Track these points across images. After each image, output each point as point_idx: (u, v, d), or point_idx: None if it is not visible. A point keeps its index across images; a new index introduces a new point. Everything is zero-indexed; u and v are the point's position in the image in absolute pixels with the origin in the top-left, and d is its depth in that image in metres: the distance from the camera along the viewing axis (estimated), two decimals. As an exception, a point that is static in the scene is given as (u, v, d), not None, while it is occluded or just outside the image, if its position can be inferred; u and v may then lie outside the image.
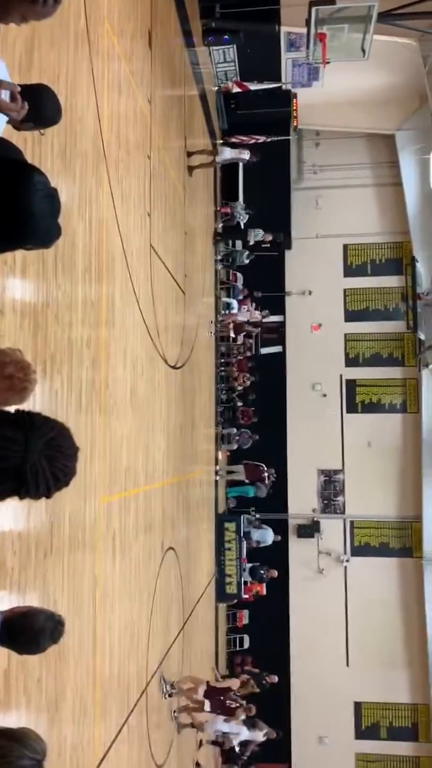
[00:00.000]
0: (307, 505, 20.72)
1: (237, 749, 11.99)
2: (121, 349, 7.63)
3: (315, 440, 20.51)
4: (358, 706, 19.71)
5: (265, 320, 19.62)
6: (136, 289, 8.33)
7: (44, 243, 2.79)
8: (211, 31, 15.82)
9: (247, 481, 18.77)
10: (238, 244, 19.26)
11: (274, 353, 20.81)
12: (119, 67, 7.82)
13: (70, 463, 2.16)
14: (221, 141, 17.50)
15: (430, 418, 20.11)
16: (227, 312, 18.50)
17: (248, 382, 19.40)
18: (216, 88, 17.96)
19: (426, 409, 20.19)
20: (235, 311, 18.65)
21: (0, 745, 2.32)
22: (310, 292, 21.47)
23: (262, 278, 19.88)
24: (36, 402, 5.00)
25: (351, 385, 21.09)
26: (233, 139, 17.10)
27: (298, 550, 20.34)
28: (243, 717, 11.37)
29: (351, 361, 21.21)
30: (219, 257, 18.33)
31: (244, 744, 11.93)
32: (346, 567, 20.30)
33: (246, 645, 18.94)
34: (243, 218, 18.72)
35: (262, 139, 17.06)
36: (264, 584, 17.99)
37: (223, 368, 18.57)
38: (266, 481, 18.67)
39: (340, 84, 18.40)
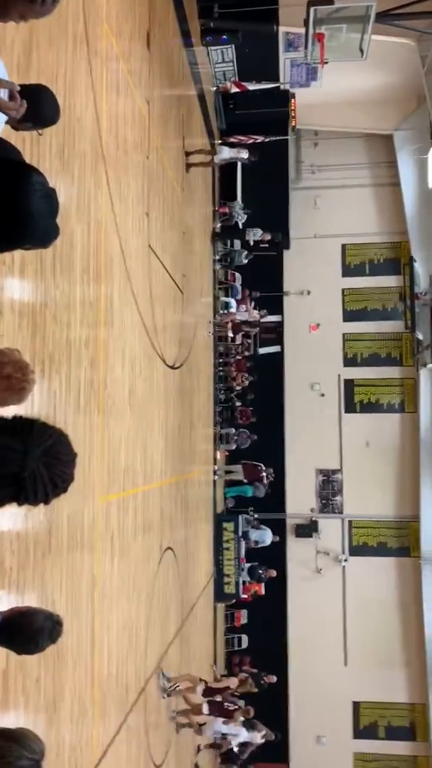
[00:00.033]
0: (305, 504, 20.73)
1: (236, 750, 12.00)
2: (119, 349, 7.63)
3: (313, 440, 20.52)
4: (356, 705, 19.73)
5: (263, 320, 19.62)
6: (135, 289, 8.33)
7: (42, 243, 2.79)
8: (209, 31, 15.82)
9: (245, 480, 18.78)
10: (237, 243, 19.27)
11: (273, 353, 20.81)
12: (117, 67, 7.82)
13: (68, 469, 2.16)
14: (220, 141, 17.51)
15: (428, 417, 20.12)
16: (225, 311, 18.50)
17: (247, 382, 19.41)
18: (214, 88, 17.96)
19: (424, 408, 20.21)
20: (233, 310, 18.65)
21: (-1, 745, 2.32)
22: (308, 292, 21.48)
23: (261, 278, 19.89)
24: (34, 402, 5.00)
25: (349, 385, 21.10)
26: (232, 139, 17.12)
27: (297, 549, 20.35)
28: (242, 719, 11.38)
29: (349, 361, 21.22)
30: (217, 257, 18.34)
31: (242, 745, 11.94)
32: (344, 567, 20.31)
33: (244, 645, 18.96)
34: (241, 218, 18.73)
35: (260, 139, 17.08)
36: (262, 584, 18.00)
37: (221, 368, 18.58)
38: (264, 481, 18.67)
39: (338, 84, 18.40)
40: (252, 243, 19.10)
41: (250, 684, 14.08)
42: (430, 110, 16.86)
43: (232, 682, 12.54)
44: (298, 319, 21.22)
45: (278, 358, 20.97)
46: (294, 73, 18.89)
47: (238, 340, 19.12)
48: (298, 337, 21.14)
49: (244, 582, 17.50)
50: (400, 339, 20.96)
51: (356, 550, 20.42)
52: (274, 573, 18.11)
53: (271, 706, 16.52)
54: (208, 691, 11.46)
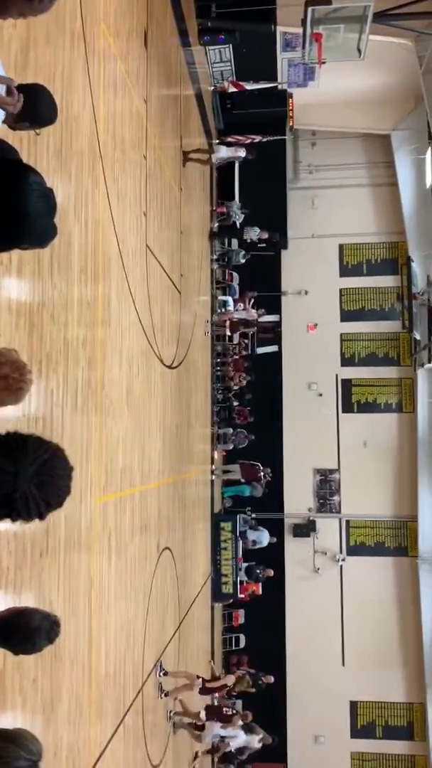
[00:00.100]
0: (303, 504, 20.74)
1: (233, 751, 12.00)
2: (117, 349, 7.63)
3: (311, 440, 20.53)
4: (353, 705, 19.74)
5: (261, 319, 19.62)
6: (132, 288, 8.33)
7: (40, 243, 2.79)
8: (207, 30, 15.82)
9: (243, 480, 18.78)
10: (234, 243, 19.27)
11: (270, 353, 20.82)
12: (115, 66, 7.82)
13: (61, 488, 2.15)
14: (217, 141, 17.51)
15: (426, 417, 20.14)
16: (223, 310, 18.50)
17: (244, 382, 19.42)
18: (212, 87, 17.96)
19: (421, 408, 20.23)
20: (231, 309, 18.65)
21: (-4, 746, 2.32)
22: (306, 292, 21.49)
23: (258, 278, 19.89)
24: (31, 402, 5.00)
25: (347, 385, 21.12)
26: (229, 139, 17.12)
27: (294, 549, 20.36)
28: (240, 723, 11.41)
29: (347, 361, 21.23)
30: (215, 257, 18.34)
31: (240, 749, 11.97)
32: (341, 566, 20.32)
33: (242, 644, 18.96)
34: (239, 218, 18.73)
35: (258, 138, 17.08)
36: (260, 584, 18.01)
37: (219, 368, 18.58)
38: (262, 481, 18.68)
39: (336, 84, 18.42)
40: (250, 241, 19.10)
41: (248, 681, 14.11)
42: (428, 110, 16.87)
43: (229, 680, 12.56)
44: (296, 318, 21.23)
45: (276, 357, 20.98)
46: (291, 73, 18.90)
47: (236, 339, 19.12)
48: (295, 336, 21.15)
49: (241, 582, 17.50)
50: (398, 339, 20.98)
51: (354, 550, 20.44)
52: (271, 573, 18.12)
53: (268, 706, 16.54)
54: (206, 689, 11.50)
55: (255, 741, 11.86)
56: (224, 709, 11.82)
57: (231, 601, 17.91)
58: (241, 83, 18.11)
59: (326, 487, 20.83)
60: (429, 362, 18.63)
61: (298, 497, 20.61)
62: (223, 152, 16.52)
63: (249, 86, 18.34)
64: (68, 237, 5.94)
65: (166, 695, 10.00)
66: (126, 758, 7.70)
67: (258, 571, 17.85)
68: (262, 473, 18.65)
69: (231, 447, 18.88)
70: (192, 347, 13.72)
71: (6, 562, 4.51)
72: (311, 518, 20.64)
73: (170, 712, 10.56)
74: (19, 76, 4.79)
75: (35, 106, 3.25)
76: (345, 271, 21.66)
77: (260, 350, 20.45)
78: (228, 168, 18.99)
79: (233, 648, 18.86)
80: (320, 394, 21.02)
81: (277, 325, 21.06)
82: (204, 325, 16.30)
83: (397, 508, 20.34)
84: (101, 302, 6.94)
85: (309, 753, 19.12)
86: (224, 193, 19.55)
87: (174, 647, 10.92)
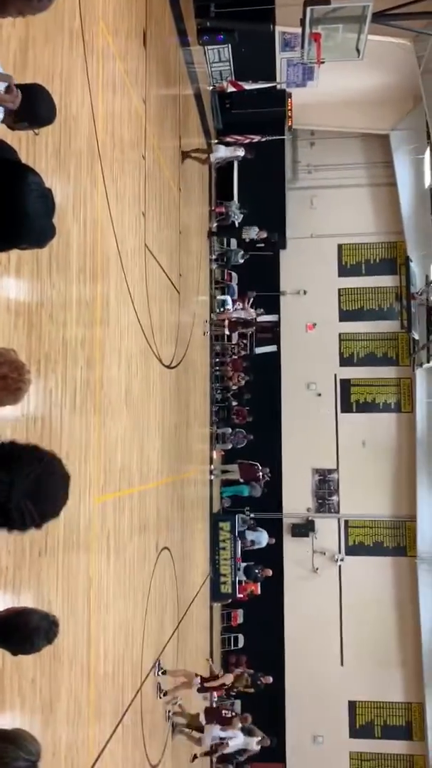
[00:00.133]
0: (301, 504, 20.74)
1: (232, 751, 12.01)
2: (115, 349, 7.62)
3: (309, 439, 20.54)
4: (352, 705, 19.75)
5: (259, 319, 19.63)
6: (131, 288, 8.33)
7: (39, 243, 2.79)
8: (206, 30, 15.81)
9: (241, 480, 18.78)
10: (233, 243, 19.27)
11: (269, 353, 20.82)
12: (114, 66, 7.81)
13: (57, 498, 2.14)
14: (216, 141, 17.51)
15: (424, 417, 20.16)
16: (222, 309, 18.51)
17: (243, 382, 19.42)
18: (211, 87, 17.96)
19: (420, 408, 20.24)
20: (229, 308, 18.65)
21: (-6, 746, 2.32)
22: (304, 292, 21.49)
23: (257, 278, 19.89)
24: (30, 402, 4.99)
25: (345, 385, 21.12)
26: (228, 139, 17.12)
27: (293, 549, 20.37)
28: (240, 725, 11.43)
29: (345, 361, 21.24)
30: (214, 257, 18.34)
31: (239, 751, 11.99)
32: (340, 566, 20.33)
33: (241, 644, 18.96)
34: (238, 218, 18.74)
35: (257, 138, 17.09)
36: (258, 583, 18.01)
37: (217, 368, 18.58)
38: (261, 481, 18.68)
39: (334, 84, 18.42)
40: (248, 241, 19.09)
41: (246, 679, 14.11)
42: (427, 110, 16.87)
43: (228, 679, 12.58)
44: (295, 318, 21.23)
45: (275, 357, 20.99)
46: (290, 72, 18.90)
47: (235, 339, 19.13)
48: (294, 336, 21.16)
49: (240, 581, 17.51)
50: (397, 339, 20.99)
51: (352, 550, 20.45)
52: (270, 572, 18.13)
53: (267, 706, 16.56)
54: (204, 688, 11.52)
55: (254, 743, 11.88)
56: (224, 711, 11.84)
57: (230, 600, 17.92)
58: (239, 83, 18.11)
59: (325, 487, 20.84)
60: (428, 362, 18.64)
61: (296, 497, 20.61)
62: (222, 152, 16.53)
63: (248, 86, 18.35)
64: (67, 237, 5.94)
65: (164, 694, 10.00)
66: (125, 758, 7.70)
67: (257, 571, 17.85)
68: (260, 473, 18.65)
69: (230, 447, 18.89)
70: (191, 347, 13.72)
71: (5, 562, 4.51)
72: (310, 518, 20.65)
73: (169, 712, 10.56)
74: (17, 75, 4.78)
75: (34, 106, 3.25)
76: (344, 270, 21.67)
77: (259, 350, 20.45)
78: (227, 168, 19.00)
79: (232, 648, 18.87)
80: (319, 394, 21.03)
81: (276, 324, 21.06)
82: (203, 325, 16.31)
83: (395, 507, 20.35)
84: (100, 302, 6.94)
85: (308, 753, 19.14)
86: (223, 193, 19.55)
87: (173, 647, 10.92)
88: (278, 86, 19.13)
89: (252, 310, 19.18)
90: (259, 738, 11.96)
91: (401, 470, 20.38)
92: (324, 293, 21.40)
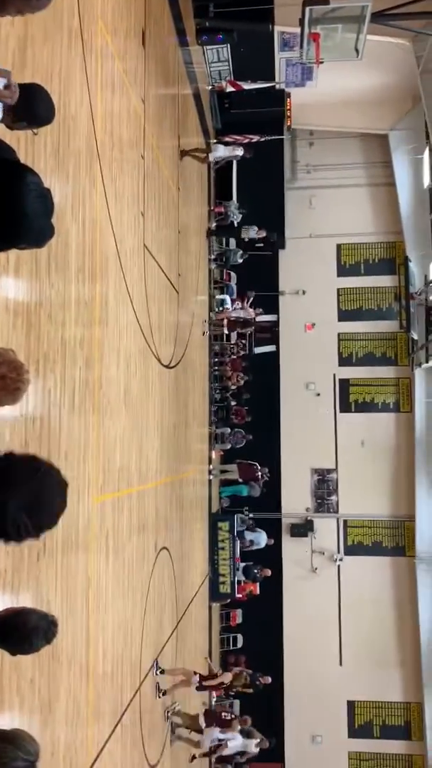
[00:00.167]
0: (300, 504, 20.75)
1: (231, 753, 12.02)
2: (114, 349, 7.62)
3: (308, 439, 20.54)
4: (351, 704, 19.76)
5: (258, 319, 19.63)
6: (130, 288, 8.32)
7: (37, 243, 2.79)
8: (204, 30, 15.81)
9: (240, 480, 18.78)
10: (232, 243, 19.27)
11: (268, 353, 20.82)
12: (113, 65, 7.81)
13: (54, 510, 2.13)
14: (215, 140, 17.51)
15: (423, 417, 20.17)
16: (221, 309, 18.51)
17: (242, 382, 19.41)
18: (210, 87, 17.96)
19: (419, 408, 20.25)
20: (228, 307, 18.66)
21: (-7, 746, 2.32)
22: (303, 292, 21.50)
23: (256, 278, 19.89)
24: (29, 402, 4.99)
25: (344, 385, 21.13)
26: (227, 138, 17.12)
27: (292, 549, 20.37)
28: (239, 728, 11.44)
29: (344, 361, 21.25)
30: (213, 256, 18.33)
31: (238, 753, 12.01)
32: (339, 566, 20.34)
33: (239, 644, 18.96)
34: (236, 218, 18.74)
35: (255, 138, 17.09)
36: (257, 583, 18.01)
37: (216, 367, 18.58)
38: (260, 481, 18.67)
39: (333, 84, 18.42)
40: (247, 240, 19.09)
41: (245, 677, 14.11)
42: (426, 110, 16.88)
43: (226, 677, 12.59)
44: (294, 318, 21.24)
45: (273, 357, 20.99)
46: (289, 72, 18.91)
47: (234, 339, 19.12)
48: (293, 336, 21.16)
49: (239, 581, 17.50)
50: (395, 339, 21.00)
51: (351, 550, 20.45)
52: (269, 572, 18.12)
53: (266, 706, 16.56)
54: (203, 686, 11.54)
55: (252, 745, 11.88)
56: (223, 714, 11.86)
57: (228, 600, 17.92)
58: (238, 83, 18.12)
59: (324, 487, 20.84)
60: (426, 362, 18.65)
61: (295, 497, 20.61)
62: (220, 151, 16.53)
63: (247, 86, 18.35)
64: (66, 237, 5.93)
65: (164, 694, 10.00)
66: (123, 758, 7.69)
67: (255, 570, 17.85)
68: (259, 473, 18.64)
69: (228, 447, 18.88)
70: (190, 347, 13.72)
71: (4, 563, 4.51)
72: (309, 518, 20.65)
73: (167, 712, 10.56)
74: (16, 74, 4.77)
75: (32, 106, 3.25)
76: (343, 270, 21.67)
77: (258, 350, 20.45)
78: (226, 168, 19.00)
79: (231, 648, 18.86)
80: (318, 394, 21.03)
81: (275, 324, 21.06)
82: (202, 325, 16.31)
83: (394, 507, 20.36)
84: (99, 302, 6.94)
85: (306, 753, 19.14)
86: (222, 193, 19.56)
87: (171, 647, 10.92)
88: (277, 86, 19.14)
89: (251, 310, 19.18)
90: (258, 740, 11.97)
91: (400, 470, 20.38)
92: (323, 293, 21.41)
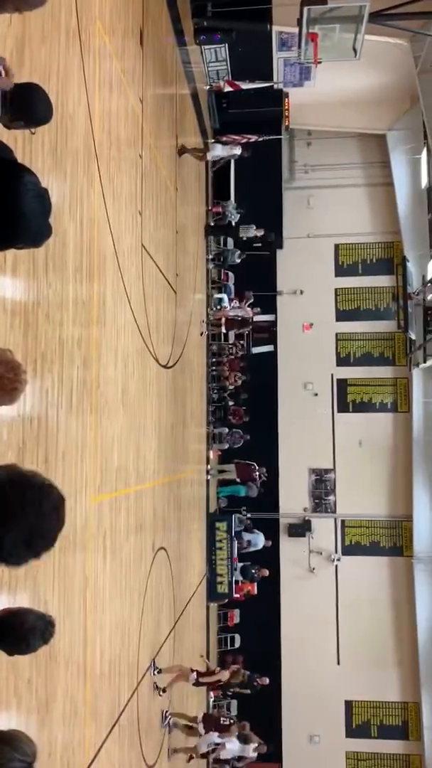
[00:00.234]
0: (298, 504, 20.75)
1: (228, 757, 12.04)
2: (112, 349, 7.61)
3: (306, 439, 20.54)
4: (348, 704, 19.76)
5: (256, 318, 19.63)
6: (128, 288, 8.32)
7: (35, 242, 2.79)
8: (202, 30, 15.80)
9: (238, 480, 18.78)
10: (230, 242, 19.27)
11: (266, 353, 20.82)
12: (111, 65, 7.80)
13: (53, 534, 2.07)
14: (213, 140, 17.50)
15: (421, 417, 20.17)
16: (218, 308, 18.51)
17: (240, 382, 19.40)
18: (207, 87, 17.95)
19: (416, 408, 20.26)
20: (226, 306, 18.66)
21: (-10, 747, 2.31)
22: (301, 292, 21.50)
23: (254, 278, 19.89)
24: (26, 402, 4.98)
25: (342, 385, 21.14)
26: (225, 138, 17.11)
27: (290, 549, 20.37)
28: (237, 733, 11.45)
29: (342, 361, 21.26)
30: (210, 256, 18.33)
31: (236, 759, 12.02)
32: (337, 566, 20.34)
33: (237, 644, 18.96)
34: (234, 217, 18.73)
35: (253, 138, 17.08)
36: (255, 583, 18.00)
37: (214, 367, 18.57)
38: (257, 481, 18.67)
39: (331, 84, 18.43)
40: (246, 239, 19.09)
41: (243, 675, 14.10)
42: (423, 110, 16.90)
43: (224, 676, 12.60)
44: (292, 318, 21.24)
45: (271, 357, 20.99)
46: (287, 72, 18.91)
47: (232, 339, 19.12)
48: (291, 336, 21.17)
49: (237, 581, 17.50)
50: (393, 339, 21.01)
51: (349, 550, 20.46)
52: (266, 572, 18.12)
53: (263, 706, 16.56)
54: (200, 683, 11.57)
55: (250, 749, 11.89)
56: (222, 719, 11.87)
57: (226, 600, 17.91)
58: (236, 83, 18.12)
59: (321, 487, 20.84)
60: (424, 362, 18.66)
61: (293, 497, 20.62)
62: (218, 150, 16.53)
63: (245, 86, 18.35)
64: (63, 236, 5.93)
65: (164, 691, 10.02)
66: (121, 758, 7.69)
67: (253, 570, 17.85)
68: (257, 473, 18.64)
69: (226, 447, 18.88)
70: (187, 347, 13.72)
71: (0, 563, 4.49)
72: (306, 518, 20.65)
73: (165, 712, 10.56)
74: (14, 74, 4.77)
75: (30, 105, 3.24)
76: (340, 270, 21.68)
77: (256, 350, 20.45)
78: (224, 168, 19.00)
79: (228, 648, 18.86)
80: (316, 394, 21.03)
81: (273, 324, 21.06)
82: (200, 324, 16.30)
83: (392, 507, 20.37)
84: (96, 301, 6.93)
85: (304, 753, 19.14)
86: (220, 193, 19.55)
87: (169, 647, 10.91)
88: (275, 86, 19.14)
89: (249, 309, 19.18)
90: (256, 744, 11.98)
91: (398, 470, 20.40)
92: (321, 293, 21.42)
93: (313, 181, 21.72)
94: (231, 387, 19.30)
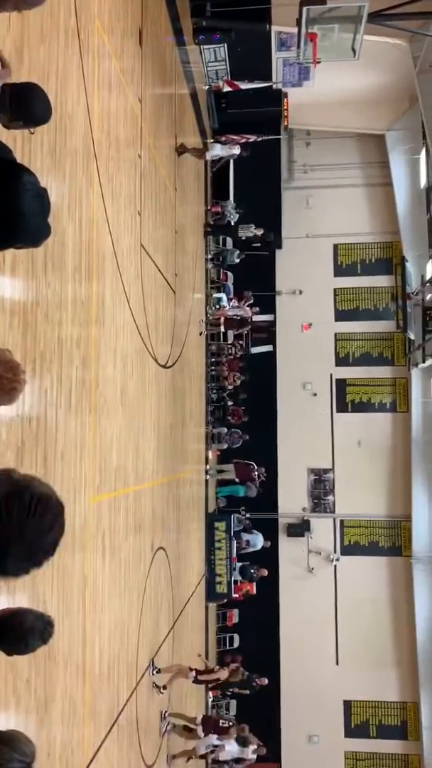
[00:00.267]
0: (297, 504, 20.75)
1: (227, 758, 12.05)
2: (111, 348, 7.61)
3: (305, 439, 20.55)
4: (347, 704, 19.77)
5: (255, 319, 19.64)
6: (127, 288, 8.31)
7: (34, 242, 2.79)
8: (201, 29, 15.80)
9: (237, 480, 18.78)
10: (229, 242, 19.27)
11: (265, 353, 20.83)
12: (109, 65, 7.80)
13: (54, 545, 2.03)
14: (212, 140, 17.51)
15: (420, 417, 20.18)
16: (217, 307, 18.51)
17: (239, 382, 19.41)
18: (207, 87, 17.95)
19: (415, 408, 20.27)
20: (224, 305, 18.66)
21: (-11, 748, 2.31)
22: (300, 292, 21.51)
23: (253, 278, 19.90)
24: (25, 402, 4.98)
25: (341, 385, 21.14)
26: (224, 138, 17.12)
27: (288, 549, 20.38)
28: (235, 735, 11.46)
29: (341, 361, 21.26)
30: (210, 256, 18.33)
31: (235, 761, 12.04)
32: (335, 566, 20.35)
33: (236, 644, 18.96)
34: (233, 217, 18.73)
35: (252, 138, 17.08)
36: (254, 583, 18.01)
37: (213, 367, 18.57)
38: (256, 481, 18.67)
39: (330, 84, 18.43)
40: (245, 238, 19.10)
41: (242, 674, 14.11)
42: (422, 110, 16.91)
43: (223, 674, 12.60)
44: (291, 318, 21.25)
45: (270, 357, 21.00)
46: (286, 72, 18.91)
47: (231, 339, 19.12)
48: (290, 336, 21.17)
49: (235, 581, 17.50)
50: (392, 339, 21.02)
51: (348, 550, 20.47)
52: (265, 572, 18.12)
53: (262, 706, 16.56)
54: (198, 680, 11.57)
55: (249, 752, 11.90)
56: (220, 721, 11.89)
57: (225, 600, 17.91)
58: (235, 82, 18.12)
59: (320, 487, 20.85)
60: (423, 362, 18.67)
61: (292, 497, 20.62)
62: (217, 150, 16.53)
63: (244, 86, 18.35)
64: (62, 236, 5.93)
65: (164, 688, 10.03)
66: (120, 758, 7.69)
67: (252, 570, 17.85)
68: (256, 473, 18.65)
69: (225, 446, 18.88)
70: (186, 347, 13.72)
71: None
72: (305, 518, 20.66)
73: (164, 712, 10.56)
74: (13, 74, 4.77)
75: (29, 105, 3.24)
76: (339, 270, 21.69)
77: (255, 350, 20.46)
78: (223, 167, 19.00)
79: (227, 648, 18.86)
80: (315, 394, 21.04)
81: (272, 324, 21.07)
82: (199, 325, 16.30)
83: (391, 507, 20.38)
84: (95, 301, 6.93)
85: (303, 752, 19.15)
86: (219, 193, 19.55)
87: (168, 647, 10.91)
88: (274, 86, 19.14)
89: (247, 308, 19.19)
90: (255, 746, 11.99)
91: (396, 470, 20.40)
92: (320, 293, 21.42)
93: (312, 181, 21.73)
94: (230, 387, 19.31)
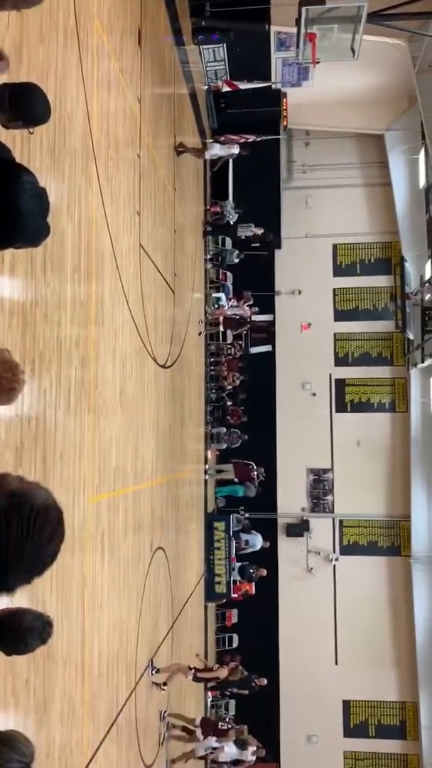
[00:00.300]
0: (296, 504, 20.75)
1: (227, 760, 12.06)
2: (110, 348, 7.61)
3: (304, 439, 20.55)
4: (346, 704, 19.77)
5: (254, 319, 19.63)
6: (126, 287, 8.31)
7: (33, 242, 2.79)
8: (201, 29, 15.79)
9: (236, 480, 18.78)
10: (228, 242, 19.27)
11: (264, 353, 20.83)
12: (109, 64, 7.80)
13: (55, 552, 2.03)
14: (211, 140, 17.51)
15: (419, 417, 20.19)
16: (217, 306, 18.51)
17: (238, 382, 19.41)
18: (206, 87, 17.94)
19: (414, 408, 20.27)
20: (224, 304, 18.65)
21: (-12, 748, 2.31)
22: (299, 292, 21.51)
23: (252, 278, 19.90)
24: (24, 402, 4.98)
25: (340, 385, 21.14)
26: (223, 138, 17.12)
27: (288, 549, 20.38)
28: (234, 737, 11.48)
29: (340, 361, 21.27)
30: (209, 256, 18.33)
31: (235, 763, 12.04)
32: (335, 566, 20.35)
33: (235, 644, 18.96)
34: (233, 217, 18.73)
35: (252, 138, 17.08)
36: (253, 583, 18.01)
37: (212, 367, 18.57)
38: (255, 480, 18.67)
39: (329, 84, 18.42)
40: (244, 238, 19.09)
41: (241, 672, 14.12)
42: (421, 110, 16.92)
43: (222, 673, 12.59)
44: (290, 318, 21.25)
45: (269, 357, 21.00)
46: (285, 72, 18.91)
47: (230, 339, 19.12)
48: (289, 336, 21.17)
49: (235, 581, 17.50)
50: (391, 339, 21.02)
51: (347, 550, 20.47)
52: (264, 572, 18.12)
53: (261, 705, 16.56)
54: (198, 678, 11.58)
55: (248, 754, 11.91)
56: (219, 723, 11.90)
57: (224, 600, 17.91)
58: (235, 83, 18.10)
59: (319, 487, 20.85)
60: (422, 362, 18.68)
61: (291, 497, 20.62)
62: (216, 149, 16.54)
63: (243, 86, 18.34)
64: (61, 236, 5.92)
65: (164, 685, 10.03)
66: (119, 758, 7.69)
67: (251, 570, 17.85)
68: (255, 473, 18.65)
69: (224, 446, 18.88)
70: (186, 347, 13.72)
71: (-2, 563, 4.48)
72: (304, 518, 20.66)
73: (163, 712, 10.56)
74: (12, 73, 4.77)
75: (28, 106, 3.24)
76: (338, 270, 21.69)
77: (254, 350, 20.45)
78: (222, 167, 18.99)
79: (226, 648, 18.86)
80: (314, 394, 21.04)
81: (271, 324, 21.07)
82: (198, 325, 16.30)
83: (390, 507, 20.38)
84: (94, 301, 6.93)
85: (302, 752, 19.15)
86: (218, 193, 19.55)
87: (167, 647, 10.91)
88: (273, 86, 19.13)
89: (247, 308, 19.19)
90: (254, 748, 12.00)
91: (396, 470, 20.41)
92: (319, 293, 21.42)
93: (311, 181, 21.73)
94: (229, 387, 19.31)
